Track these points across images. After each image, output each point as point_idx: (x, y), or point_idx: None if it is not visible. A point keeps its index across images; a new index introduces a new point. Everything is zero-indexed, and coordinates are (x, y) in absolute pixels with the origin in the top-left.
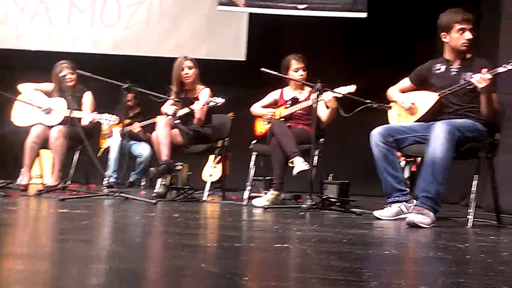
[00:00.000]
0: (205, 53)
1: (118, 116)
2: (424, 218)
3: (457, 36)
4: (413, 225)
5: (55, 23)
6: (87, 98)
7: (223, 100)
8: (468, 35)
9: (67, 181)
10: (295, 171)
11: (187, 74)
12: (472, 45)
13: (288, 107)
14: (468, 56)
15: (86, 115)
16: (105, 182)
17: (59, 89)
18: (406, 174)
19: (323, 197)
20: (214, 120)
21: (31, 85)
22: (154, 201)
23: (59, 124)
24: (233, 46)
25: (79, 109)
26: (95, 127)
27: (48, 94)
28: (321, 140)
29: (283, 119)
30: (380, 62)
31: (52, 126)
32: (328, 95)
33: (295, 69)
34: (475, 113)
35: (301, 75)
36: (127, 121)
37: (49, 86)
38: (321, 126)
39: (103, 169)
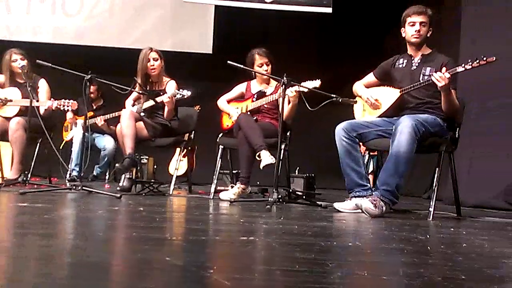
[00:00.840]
0: (171, 45)
1: (79, 108)
2: (373, 209)
3: (409, 29)
4: (360, 210)
5: (14, 11)
6: (43, 85)
7: (190, 93)
8: (416, 27)
9: (27, 174)
10: (262, 165)
11: (152, 65)
12: (432, 40)
13: (255, 100)
14: (428, 51)
15: (43, 102)
16: (67, 176)
17: (12, 79)
18: (371, 168)
19: (290, 190)
20: (180, 113)
21: None
22: (118, 195)
23: (17, 115)
24: (199, 39)
25: (36, 98)
26: (56, 117)
27: (1, 85)
28: (288, 134)
29: (249, 112)
30: (346, 56)
31: (9, 118)
32: (291, 91)
33: (259, 64)
34: (436, 109)
35: (266, 70)
36: (90, 113)
37: (0, 77)
38: (286, 120)
39: (65, 162)
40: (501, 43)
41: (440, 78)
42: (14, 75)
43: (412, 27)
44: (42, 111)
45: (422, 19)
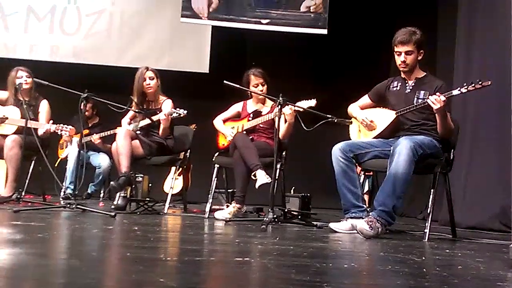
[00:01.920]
0: (167, 64)
1: (75, 127)
2: (367, 230)
3: (396, 58)
4: (356, 230)
5: (11, 29)
6: (44, 107)
7: (186, 112)
8: (402, 57)
9: (21, 192)
10: (257, 184)
11: (148, 84)
12: (426, 63)
13: (251, 120)
14: (422, 75)
15: (42, 125)
16: (62, 194)
17: (14, 97)
18: (366, 187)
19: (285, 210)
20: (176, 131)
21: None
22: (113, 213)
23: (14, 133)
24: (196, 58)
25: (36, 118)
26: (52, 136)
27: (2, 102)
28: (283, 153)
29: (245, 132)
30: (341, 76)
31: (6, 135)
32: (287, 109)
33: (254, 85)
34: (431, 130)
35: (261, 90)
36: (86, 131)
37: (2, 94)
38: (282, 140)
39: (60, 180)
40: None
41: (436, 100)
42: (17, 93)
43: (399, 57)
44: (40, 133)
45: (407, 48)
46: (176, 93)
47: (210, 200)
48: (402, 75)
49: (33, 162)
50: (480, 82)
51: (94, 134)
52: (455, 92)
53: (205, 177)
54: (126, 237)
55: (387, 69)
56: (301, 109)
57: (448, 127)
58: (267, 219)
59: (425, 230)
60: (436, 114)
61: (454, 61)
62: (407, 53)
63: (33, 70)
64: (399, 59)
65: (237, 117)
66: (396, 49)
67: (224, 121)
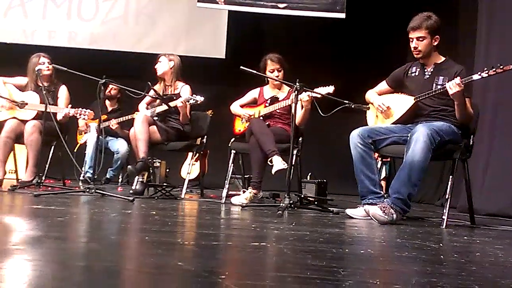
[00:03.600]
0: (184, 50)
1: (94, 112)
2: (381, 215)
3: (410, 45)
4: (369, 216)
5: (30, 16)
6: (63, 92)
7: (203, 99)
8: (413, 44)
9: (42, 176)
10: (273, 170)
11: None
12: (447, 47)
13: (268, 105)
14: (440, 60)
15: (61, 109)
16: (81, 178)
17: (34, 83)
18: (383, 174)
19: (301, 196)
20: (193, 117)
21: (1, 78)
22: (131, 198)
23: (34, 118)
24: (212, 44)
25: (55, 103)
26: (71, 122)
27: (21, 88)
28: (300, 139)
29: (262, 117)
30: (359, 63)
31: (25, 121)
32: (305, 95)
33: (271, 70)
34: (450, 116)
35: (277, 76)
36: (104, 117)
37: (22, 80)
38: (299, 125)
39: (79, 165)
40: None
41: (452, 85)
42: (37, 78)
43: (411, 43)
44: (59, 117)
45: (418, 34)
46: (193, 79)
47: (227, 186)
48: (421, 61)
49: (52, 147)
50: (501, 67)
51: (113, 119)
52: (475, 76)
53: (221, 162)
54: (144, 221)
55: (405, 54)
56: (319, 95)
57: (467, 113)
58: (283, 204)
59: (443, 217)
60: (454, 100)
61: (476, 46)
62: (418, 39)
63: (52, 56)
64: (411, 46)
65: (254, 103)
66: (409, 35)
67: (241, 107)
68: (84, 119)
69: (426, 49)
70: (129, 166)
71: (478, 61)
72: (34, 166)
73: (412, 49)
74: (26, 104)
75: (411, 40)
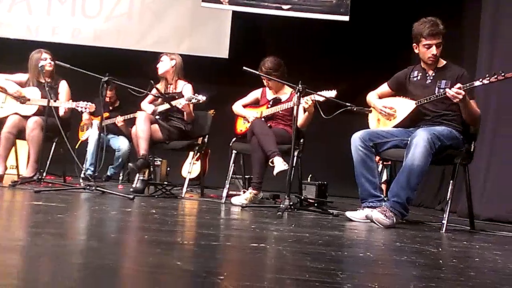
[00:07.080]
0: (187, 48)
1: (96, 109)
2: (384, 218)
3: (424, 51)
4: (371, 220)
5: (34, 12)
6: (63, 87)
7: (205, 98)
8: (433, 50)
9: (43, 172)
10: (275, 171)
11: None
12: (450, 50)
13: (270, 107)
14: (442, 63)
15: (62, 103)
16: (82, 175)
17: (36, 79)
18: (384, 177)
19: (301, 197)
20: (194, 117)
21: (2, 75)
22: (131, 196)
23: (35, 114)
24: (216, 43)
25: (56, 99)
26: (73, 118)
27: (22, 84)
28: (301, 141)
29: (263, 118)
30: (361, 65)
31: (27, 117)
32: (308, 100)
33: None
34: (452, 121)
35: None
36: (106, 114)
37: (22, 76)
38: (301, 128)
39: (80, 161)
40: None
41: (456, 94)
42: (39, 74)
43: (428, 49)
44: (61, 112)
45: (438, 41)
46: (195, 78)
47: (227, 186)
48: (423, 65)
49: (54, 143)
50: (502, 74)
51: (119, 116)
52: (477, 83)
53: (222, 162)
54: (144, 220)
55: (408, 57)
56: (322, 98)
57: (473, 113)
58: (283, 206)
59: (443, 221)
60: (459, 104)
61: (478, 50)
62: (437, 45)
63: (55, 53)
64: (429, 52)
65: (256, 103)
66: (425, 41)
67: (243, 107)
68: (85, 111)
69: (440, 54)
70: (129, 163)
71: (481, 65)
72: (35, 162)
73: (431, 56)
74: (28, 100)
75: (427, 46)
